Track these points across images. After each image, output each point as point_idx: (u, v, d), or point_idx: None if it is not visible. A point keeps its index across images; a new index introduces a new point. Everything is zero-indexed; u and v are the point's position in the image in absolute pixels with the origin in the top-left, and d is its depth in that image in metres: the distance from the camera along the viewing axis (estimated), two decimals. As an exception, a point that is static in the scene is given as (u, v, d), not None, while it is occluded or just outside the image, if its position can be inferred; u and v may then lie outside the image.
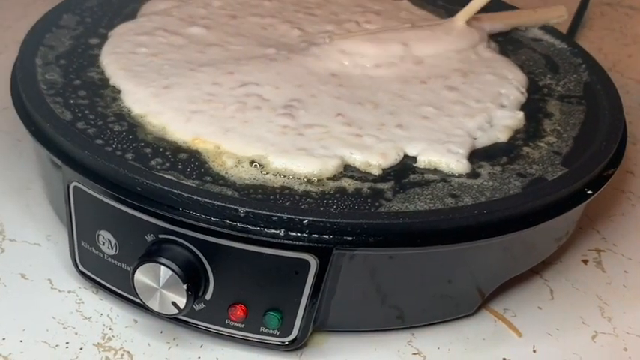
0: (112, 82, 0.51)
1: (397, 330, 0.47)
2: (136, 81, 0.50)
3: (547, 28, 0.63)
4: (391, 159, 0.46)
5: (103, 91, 0.50)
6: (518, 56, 0.59)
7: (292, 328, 0.43)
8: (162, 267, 0.41)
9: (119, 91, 0.50)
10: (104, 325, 0.46)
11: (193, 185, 0.42)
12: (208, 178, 0.43)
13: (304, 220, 0.40)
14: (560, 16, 0.65)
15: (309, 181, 0.44)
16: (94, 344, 0.44)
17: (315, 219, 0.40)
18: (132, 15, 0.59)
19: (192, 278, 0.41)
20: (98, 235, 0.44)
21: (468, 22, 0.59)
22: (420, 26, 0.59)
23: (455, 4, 0.66)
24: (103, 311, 0.46)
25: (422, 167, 0.46)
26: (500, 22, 0.63)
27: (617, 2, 0.91)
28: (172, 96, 0.49)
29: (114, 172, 0.42)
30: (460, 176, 0.45)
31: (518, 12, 0.65)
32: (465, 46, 0.58)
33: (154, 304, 0.42)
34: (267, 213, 0.40)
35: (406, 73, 0.54)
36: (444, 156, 0.46)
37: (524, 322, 0.48)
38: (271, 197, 0.42)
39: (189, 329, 0.45)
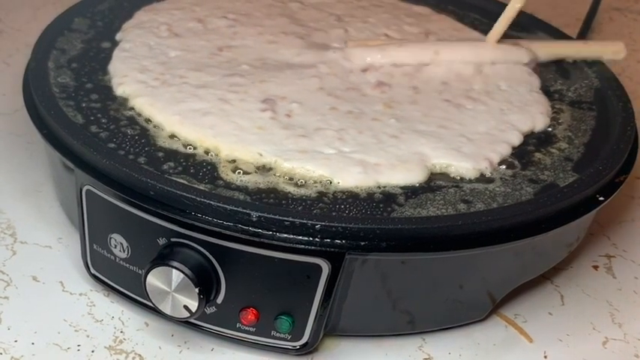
0: (123, 85, 0.51)
1: (408, 335, 0.46)
2: (148, 85, 0.50)
3: (555, 34, 0.63)
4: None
5: (114, 94, 0.50)
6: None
7: (303, 332, 0.43)
8: (174, 270, 0.41)
9: (131, 95, 0.50)
10: (115, 328, 0.46)
11: (205, 189, 0.42)
12: (220, 182, 0.43)
13: (317, 224, 0.40)
14: (617, 52, 0.57)
15: (321, 186, 0.44)
16: (105, 347, 0.44)
17: (327, 224, 0.40)
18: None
19: (204, 282, 0.41)
20: (110, 238, 0.44)
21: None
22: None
23: (464, 9, 0.66)
24: (114, 314, 0.46)
25: (434, 172, 0.46)
26: (542, 50, 0.57)
27: (626, 7, 0.91)
28: (184, 99, 0.49)
29: (126, 175, 0.42)
30: (472, 182, 0.45)
31: (565, 43, 0.59)
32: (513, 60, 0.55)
33: (165, 308, 0.42)
34: (280, 217, 0.40)
35: (417, 80, 0.54)
36: (456, 161, 0.46)
37: (534, 327, 0.48)
38: (283, 201, 0.42)
39: (200, 333, 0.45)
